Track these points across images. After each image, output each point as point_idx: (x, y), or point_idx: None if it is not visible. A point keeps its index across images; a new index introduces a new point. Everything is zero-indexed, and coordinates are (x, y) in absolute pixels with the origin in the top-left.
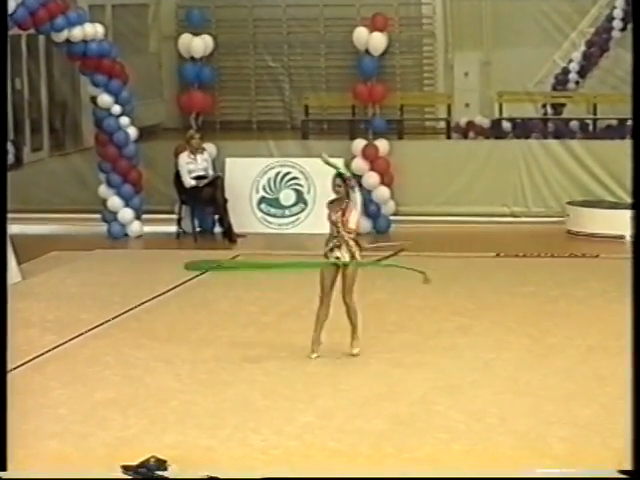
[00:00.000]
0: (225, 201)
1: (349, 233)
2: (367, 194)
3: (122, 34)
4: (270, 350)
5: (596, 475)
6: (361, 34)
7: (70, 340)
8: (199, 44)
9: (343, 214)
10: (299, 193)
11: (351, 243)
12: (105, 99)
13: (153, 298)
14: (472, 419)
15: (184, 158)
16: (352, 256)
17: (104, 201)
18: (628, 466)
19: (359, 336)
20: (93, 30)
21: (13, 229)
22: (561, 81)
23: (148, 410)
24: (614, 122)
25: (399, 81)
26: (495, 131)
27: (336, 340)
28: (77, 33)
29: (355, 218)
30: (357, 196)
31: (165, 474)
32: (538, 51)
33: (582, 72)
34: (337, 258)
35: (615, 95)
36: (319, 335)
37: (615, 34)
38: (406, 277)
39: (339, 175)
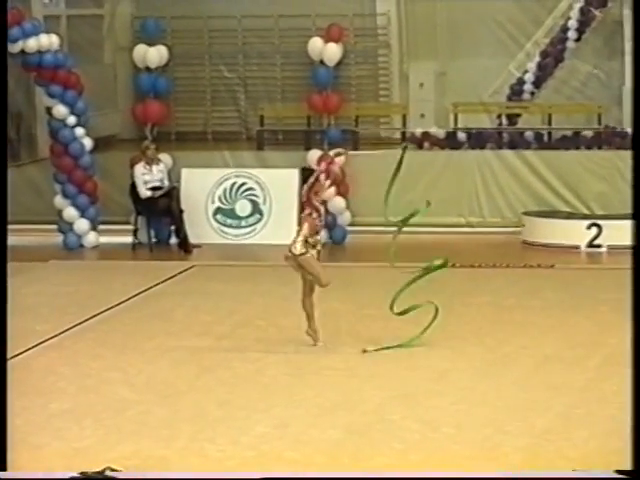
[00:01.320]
0: (181, 212)
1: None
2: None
3: (77, 45)
4: (225, 360)
5: (596, 475)
6: (316, 45)
7: (25, 351)
8: (154, 54)
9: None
10: (255, 204)
11: None
12: (60, 110)
13: (109, 309)
14: (428, 429)
15: (140, 169)
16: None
17: (59, 212)
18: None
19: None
20: (48, 41)
21: None
22: (516, 91)
23: (104, 421)
24: (569, 132)
25: (354, 92)
26: (450, 142)
27: (293, 350)
28: (32, 44)
29: None
30: None
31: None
32: (493, 62)
33: (537, 82)
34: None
35: (570, 105)
36: (314, 324)
37: (570, 44)
38: (362, 286)
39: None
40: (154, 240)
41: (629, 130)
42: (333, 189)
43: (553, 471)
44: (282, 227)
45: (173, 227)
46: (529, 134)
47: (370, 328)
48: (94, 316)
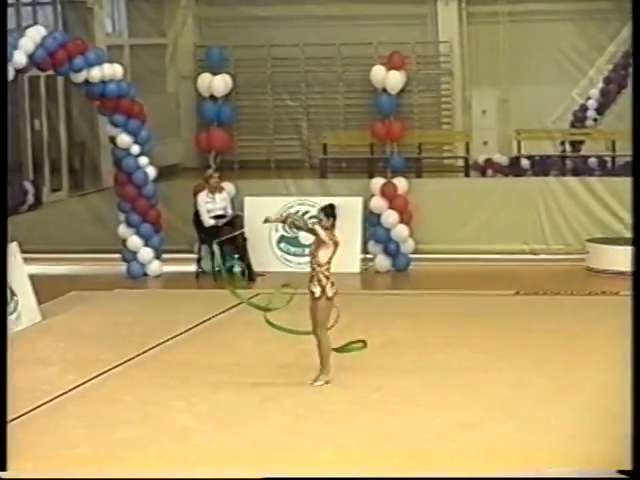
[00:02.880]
0: (244, 240)
1: (319, 266)
2: (386, 232)
3: (140, 74)
4: (289, 388)
5: (596, 475)
6: (378, 72)
7: (89, 380)
8: (220, 83)
9: (316, 249)
10: None
11: (321, 277)
12: (124, 139)
13: (172, 337)
14: (491, 456)
15: (203, 197)
16: (322, 290)
17: (124, 241)
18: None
19: (327, 371)
20: (112, 70)
21: (33, 269)
22: (579, 118)
23: (167, 449)
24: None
25: (417, 119)
26: (513, 169)
27: (356, 379)
28: (96, 73)
29: (327, 255)
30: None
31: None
32: (556, 88)
33: (600, 109)
34: (311, 292)
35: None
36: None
37: (632, 70)
38: (425, 315)
39: (322, 210)
40: (217, 269)
41: None
42: (397, 217)
43: (554, 471)
44: (346, 255)
45: (237, 255)
46: (592, 161)
47: (433, 357)
48: (158, 345)
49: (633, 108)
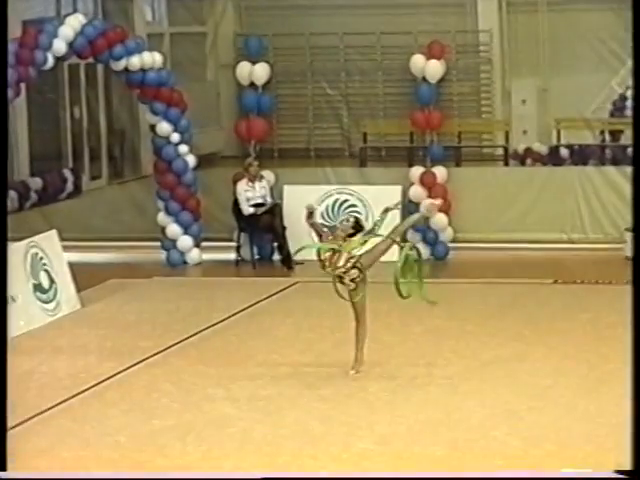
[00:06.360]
0: (283, 228)
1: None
2: (425, 221)
3: (180, 62)
4: (328, 377)
5: (596, 475)
6: (418, 61)
7: (128, 367)
8: (260, 72)
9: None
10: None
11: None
12: (164, 127)
13: (211, 326)
14: (530, 445)
15: (242, 186)
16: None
17: (163, 229)
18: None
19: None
20: (151, 58)
21: (72, 257)
22: (619, 107)
23: (206, 437)
24: None
25: (456, 108)
26: (553, 158)
27: (395, 367)
28: (135, 61)
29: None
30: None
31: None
32: (596, 77)
33: None
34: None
35: None
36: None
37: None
38: (464, 303)
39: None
40: (257, 257)
41: None
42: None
43: (553, 471)
44: None
45: (276, 244)
46: (632, 150)
47: (472, 346)
48: (197, 333)
49: (634, 107)
